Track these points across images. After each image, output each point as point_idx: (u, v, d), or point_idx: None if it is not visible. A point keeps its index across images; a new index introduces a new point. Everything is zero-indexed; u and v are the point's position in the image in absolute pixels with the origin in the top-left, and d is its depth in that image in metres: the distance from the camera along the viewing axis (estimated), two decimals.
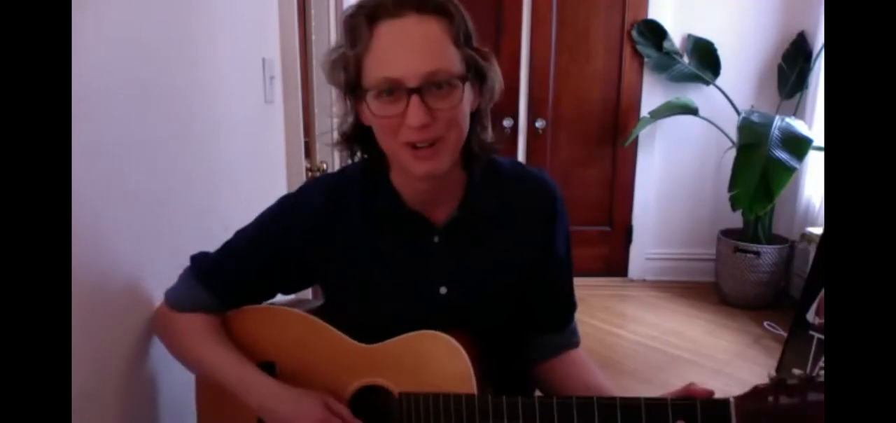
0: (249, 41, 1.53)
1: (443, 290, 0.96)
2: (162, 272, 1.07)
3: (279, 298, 1.09)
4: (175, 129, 1.10)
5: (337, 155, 2.45)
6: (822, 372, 0.72)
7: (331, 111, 2.40)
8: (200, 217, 1.20)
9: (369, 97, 0.84)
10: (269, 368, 0.99)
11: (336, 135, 0.94)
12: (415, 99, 0.80)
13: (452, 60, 0.83)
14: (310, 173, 2.10)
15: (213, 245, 1.08)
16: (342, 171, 0.98)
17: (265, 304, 1.05)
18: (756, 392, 0.76)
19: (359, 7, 0.83)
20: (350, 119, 0.91)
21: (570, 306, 1.07)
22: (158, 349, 1.07)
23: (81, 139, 0.78)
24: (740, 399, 0.77)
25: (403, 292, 0.96)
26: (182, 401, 1.14)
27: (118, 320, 0.94)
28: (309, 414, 0.91)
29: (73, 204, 0.75)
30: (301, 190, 1.04)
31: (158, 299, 1.06)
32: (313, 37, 2.24)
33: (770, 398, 0.75)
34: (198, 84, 1.20)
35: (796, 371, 0.76)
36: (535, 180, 1.00)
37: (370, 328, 0.95)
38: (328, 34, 2.37)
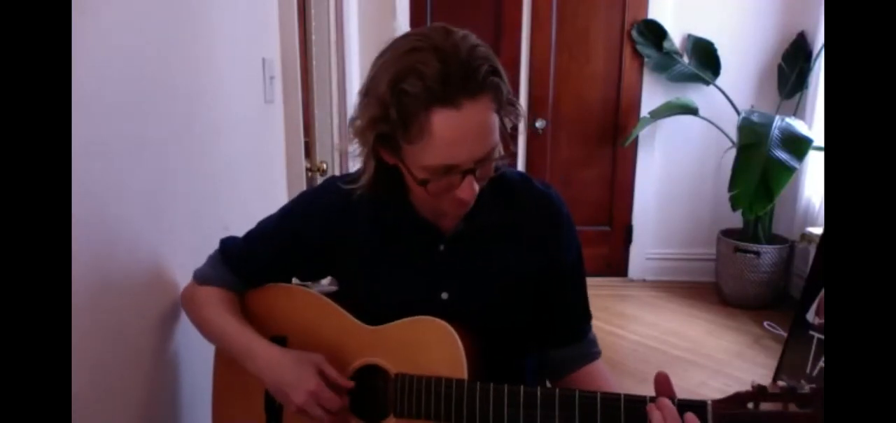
0: (249, 41, 1.52)
1: (444, 296, 0.99)
2: (162, 271, 1.08)
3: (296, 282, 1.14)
4: (175, 129, 1.10)
5: (337, 156, 2.46)
6: (806, 385, 0.74)
7: (331, 112, 2.40)
8: (200, 217, 1.20)
9: (416, 168, 0.86)
10: (281, 341, 1.05)
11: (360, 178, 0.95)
12: (470, 178, 0.86)
13: (497, 129, 0.86)
14: (310, 173, 2.10)
15: (212, 245, 1.10)
16: (358, 176, 0.99)
17: (283, 284, 1.10)
18: (736, 398, 0.77)
19: (411, 93, 0.80)
20: (372, 162, 0.91)
21: (584, 315, 1.09)
22: (159, 347, 1.08)
23: (81, 138, 0.78)
24: (718, 403, 0.77)
25: (407, 294, 0.99)
26: (187, 400, 1.14)
27: (118, 318, 0.94)
28: (301, 386, 0.95)
29: (73, 203, 0.75)
30: (322, 185, 1.10)
31: (158, 297, 1.07)
32: (313, 37, 2.24)
33: (750, 405, 0.76)
34: (198, 84, 1.20)
35: (780, 383, 0.76)
36: (541, 194, 1.02)
37: (375, 319, 0.99)
38: (328, 34, 2.37)
